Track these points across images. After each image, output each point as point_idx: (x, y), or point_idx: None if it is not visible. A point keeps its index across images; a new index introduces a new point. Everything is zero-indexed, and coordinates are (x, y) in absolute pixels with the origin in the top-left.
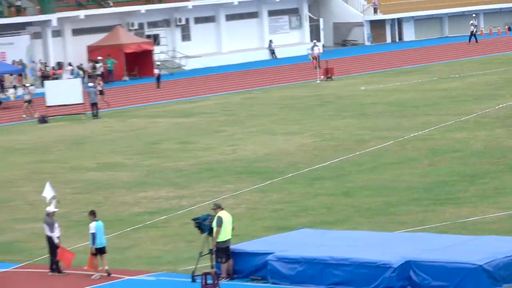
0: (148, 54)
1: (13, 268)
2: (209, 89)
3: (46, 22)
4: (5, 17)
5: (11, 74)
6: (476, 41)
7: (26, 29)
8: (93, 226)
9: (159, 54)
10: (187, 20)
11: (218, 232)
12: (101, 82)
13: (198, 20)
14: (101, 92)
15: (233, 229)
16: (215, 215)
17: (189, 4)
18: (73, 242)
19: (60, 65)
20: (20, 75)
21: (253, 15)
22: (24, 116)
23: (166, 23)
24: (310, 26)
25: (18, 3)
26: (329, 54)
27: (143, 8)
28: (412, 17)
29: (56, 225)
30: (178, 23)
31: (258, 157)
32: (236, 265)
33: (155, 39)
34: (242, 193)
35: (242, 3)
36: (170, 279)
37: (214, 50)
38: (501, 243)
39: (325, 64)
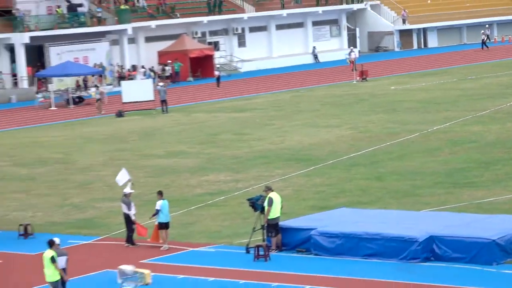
0: (209, 58)
1: (94, 241)
2: (261, 89)
3: (123, 31)
4: (88, 26)
5: (93, 75)
6: (487, 48)
7: (106, 37)
8: (159, 203)
9: (218, 58)
10: (243, 29)
11: (269, 211)
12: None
13: (252, 29)
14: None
15: (281, 208)
16: (266, 196)
17: (245, 16)
18: (145, 219)
19: (134, 68)
20: (100, 76)
21: (299, 25)
22: (98, 111)
23: (225, 31)
24: (348, 34)
25: (99, 14)
26: (364, 58)
27: (205, 19)
28: (436, 27)
29: (132, 204)
30: (235, 32)
31: (303, 146)
32: (284, 239)
33: (216, 46)
34: (289, 177)
35: (290, 15)
36: (227, 250)
37: (265, 55)
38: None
39: (361, 67)
